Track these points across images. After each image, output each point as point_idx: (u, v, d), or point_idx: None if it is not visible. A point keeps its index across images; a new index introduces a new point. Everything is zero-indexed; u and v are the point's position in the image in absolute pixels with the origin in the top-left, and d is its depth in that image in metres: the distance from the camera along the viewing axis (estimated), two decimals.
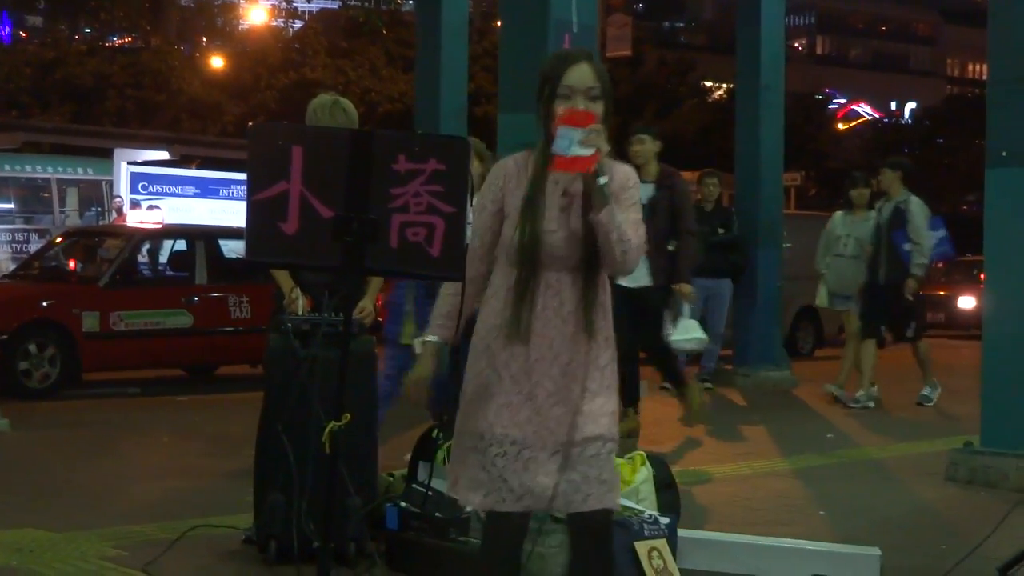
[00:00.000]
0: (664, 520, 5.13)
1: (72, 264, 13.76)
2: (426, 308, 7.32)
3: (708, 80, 47.28)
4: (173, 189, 20.82)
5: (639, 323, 8.33)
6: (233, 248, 12.35)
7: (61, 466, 7.73)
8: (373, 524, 5.30)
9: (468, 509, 4.91)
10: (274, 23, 39.72)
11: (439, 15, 12.18)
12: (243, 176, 3.85)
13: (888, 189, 10.76)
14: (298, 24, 42.16)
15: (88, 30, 37.16)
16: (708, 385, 12.10)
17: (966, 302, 21.17)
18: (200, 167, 22.55)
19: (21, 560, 5.33)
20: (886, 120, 61.66)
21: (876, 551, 5.33)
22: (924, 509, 6.96)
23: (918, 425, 10.07)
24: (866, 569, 5.25)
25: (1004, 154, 7.36)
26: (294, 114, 24.34)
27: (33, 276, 12.63)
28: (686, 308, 8.74)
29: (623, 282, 7.30)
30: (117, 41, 37.94)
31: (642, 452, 5.73)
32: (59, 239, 14.42)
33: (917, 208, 10.55)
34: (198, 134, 29.09)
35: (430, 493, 5.12)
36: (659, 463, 5.74)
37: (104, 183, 21.68)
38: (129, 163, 21.11)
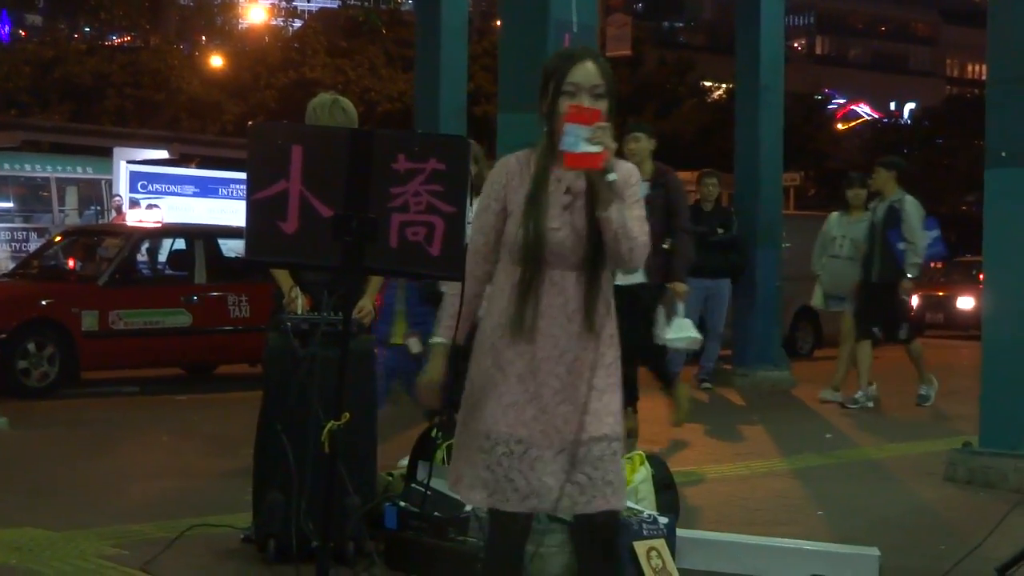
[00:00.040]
0: (663, 520, 5.13)
1: (71, 263, 13.77)
2: (417, 308, 7.35)
3: (708, 80, 47.21)
4: (172, 188, 20.80)
5: (630, 320, 8.30)
6: (232, 247, 12.35)
7: (60, 465, 7.72)
8: (372, 523, 5.30)
9: (468, 508, 4.92)
10: (273, 22, 39.68)
11: (439, 15, 12.19)
12: (242, 175, 3.85)
13: (882, 189, 10.72)
14: (297, 23, 42.12)
15: (87, 29, 37.14)
16: (707, 385, 12.12)
17: (965, 302, 21.17)
18: (199, 166, 22.52)
19: (20, 559, 5.32)
20: (885, 120, 61.58)
21: (875, 551, 5.33)
22: (923, 509, 6.96)
23: (917, 425, 10.07)
24: (865, 569, 5.25)
25: (1003, 154, 7.36)
26: (294, 113, 24.32)
27: (32, 275, 12.61)
28: (680, 307, 8.71)
29: (617, 279, 7.26)
30: (116, 40, 37.94)
31: (641, 452, 5.74)
32: (58, 238, 14.43)
33: (912, 207, 10.52)
34: (197, 133, 29.06)
35: (429, 493, 5.11)
36: (658, 463, 5.74)
37: (103, 182, 21.64)
38: (128, 162, 21.08)
